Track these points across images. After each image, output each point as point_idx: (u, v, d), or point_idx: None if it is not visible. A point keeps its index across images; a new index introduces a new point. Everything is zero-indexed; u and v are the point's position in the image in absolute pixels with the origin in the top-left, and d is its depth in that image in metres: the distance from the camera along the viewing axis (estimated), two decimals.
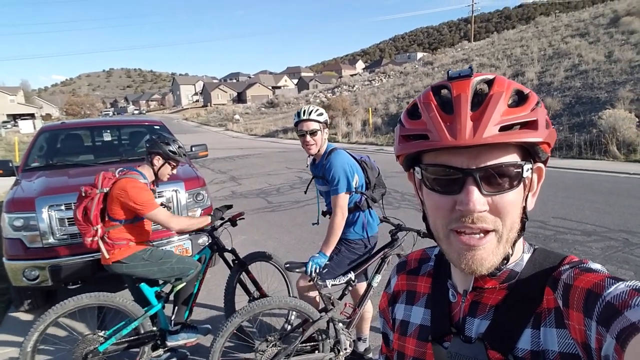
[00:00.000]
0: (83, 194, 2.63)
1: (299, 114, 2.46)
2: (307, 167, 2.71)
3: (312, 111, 2.45)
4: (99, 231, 2.60)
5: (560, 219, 5.49)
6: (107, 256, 2.62)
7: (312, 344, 2.59)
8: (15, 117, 61.20)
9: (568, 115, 12.24)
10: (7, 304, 3.92)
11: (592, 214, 5.60)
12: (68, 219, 3.45)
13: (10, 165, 4.37)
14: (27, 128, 32.08)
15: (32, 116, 58.12)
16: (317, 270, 2.40)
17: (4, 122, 54.91)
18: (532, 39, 23.48)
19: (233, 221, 3.11)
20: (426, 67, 30.18)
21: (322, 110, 2.51)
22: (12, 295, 3.76)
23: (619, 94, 11.47)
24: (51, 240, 3.40)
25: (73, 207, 3.44)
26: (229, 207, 3.16)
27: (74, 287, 3.46)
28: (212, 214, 2.98)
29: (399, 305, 0.81)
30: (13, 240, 3.37)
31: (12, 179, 4.37)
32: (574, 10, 32.09)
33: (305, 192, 2.95)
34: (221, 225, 3.08)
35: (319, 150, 2.54)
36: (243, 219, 3.19)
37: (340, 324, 2.56)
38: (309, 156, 2.64)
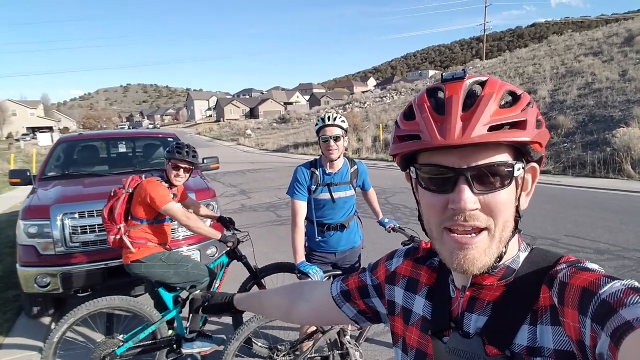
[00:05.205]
0: (112, 194, 2.81)
1: (323, 120, 2.49)
2: (316, 177, 2.58)
3: (336, 117, 2.50)
4: (122, 230, 2.73)
5: (573, 237, 5.40)
6: (133, 250, 2.71)
7: (322, 355, 2.59)
8: (34, 130, 63.13)
9: (581, 133, 12.11)
10: (18, 311, 3.98)
11: (605, 232, 5.50)
12: (81, 227, 3.52)
13: (28, 174, 4.50)
14: (45, 141, 32.73)
15: (50, 129, 59.56)
16: None
17: (24, 134, 56.70)
18: (545, 57, 23.41)
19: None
20: None
21: (344, 117, 2.56)
22: (22, 302, 3.82)
23: (634, 112, 11.32)
24: (63, 248, 3.46)
25: (87, 215, 3.55)
26: (233, 222, 3.20)
27: (83, 295, 3.50)
28: (225, 233, 2.95)
29: (397, 289, 0.82)
30: (27, 247, 3.45)
31: (30, 188, 4.49)
32: (587, 29, 31.98)
33: (334, 201, 2.62)
34: (235, 247, 2.96)
35: (339, 157, 2.55)
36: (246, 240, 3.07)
37: (349, 336, 2.54)
38: (315, 167, 2.61)
